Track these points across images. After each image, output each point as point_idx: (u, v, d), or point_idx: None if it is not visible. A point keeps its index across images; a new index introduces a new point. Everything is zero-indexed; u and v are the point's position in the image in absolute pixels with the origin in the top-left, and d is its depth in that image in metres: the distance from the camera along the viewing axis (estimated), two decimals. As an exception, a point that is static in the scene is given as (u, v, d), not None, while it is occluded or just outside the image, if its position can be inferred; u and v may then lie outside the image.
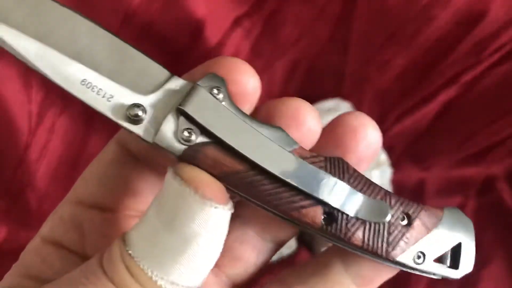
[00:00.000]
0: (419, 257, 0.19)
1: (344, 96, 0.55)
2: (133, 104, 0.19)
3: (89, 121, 0.49)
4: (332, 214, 0.19)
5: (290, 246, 0.49)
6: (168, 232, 0.17)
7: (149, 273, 0.17)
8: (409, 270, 0.19)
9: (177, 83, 0.19)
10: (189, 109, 0.18)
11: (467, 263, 0.20)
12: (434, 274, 0.20)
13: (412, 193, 0.57)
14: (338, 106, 0.53)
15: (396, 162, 0.56)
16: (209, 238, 0.17)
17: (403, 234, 0.19)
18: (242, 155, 0.18)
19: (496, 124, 0.55)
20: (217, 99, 0.19)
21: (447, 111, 0.55)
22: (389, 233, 0.19)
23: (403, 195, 0.19)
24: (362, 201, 0.19)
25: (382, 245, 0.19)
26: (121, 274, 0.17)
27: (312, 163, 0.19)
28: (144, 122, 0.19)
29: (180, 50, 0.49)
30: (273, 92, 0.56)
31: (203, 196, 0.17)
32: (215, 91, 0.19)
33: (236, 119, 0.19)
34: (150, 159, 0.22)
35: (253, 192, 0.19)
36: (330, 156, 0.20)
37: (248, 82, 0.20)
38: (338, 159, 0.19)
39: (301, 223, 0.19)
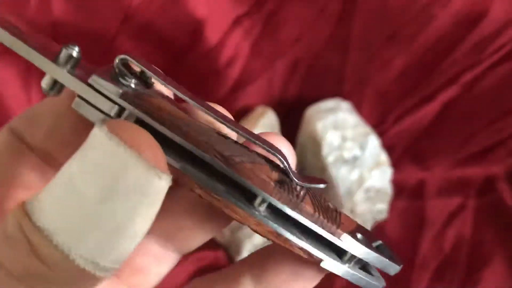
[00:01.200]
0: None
1: (344, 96, 0.55)
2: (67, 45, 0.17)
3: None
4: (281, 177, 0.18)
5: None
6: (96, 200, 0.14)
7: (66, 251, 0.14)
8: (342, 272, 0.18)
9: None
10: (135, 60, 0.17)
11: (396, 259, 0.19)
12: (369, 268, 0.19)
13: (412, 193, 0.56)
14: (338, 106, 0.53)
15: (396, 162, 0.56)
16: (145, 212, 0.15)
17: (340, 217, 0.18)
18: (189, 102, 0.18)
19: (496, 124, 0.55)
20: None
21: (447, 111, 0.55)
22: (330, 211, 0.18)
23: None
24: (299, 174, 0.19)
25: (331, 216, 0.18)
26: (22, 255, 0.14)
27: None
28: (78, 67, 0.17)
29: (180, 50, 0.49)
30: (273, 92, 0.56)
31: (147, 162, 0.14)
32: None
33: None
34: (46, 151, 0.20)
35: (203, 140, 0.17)
36: None
37: None
38: None
39: (256, 179, 0.17)
